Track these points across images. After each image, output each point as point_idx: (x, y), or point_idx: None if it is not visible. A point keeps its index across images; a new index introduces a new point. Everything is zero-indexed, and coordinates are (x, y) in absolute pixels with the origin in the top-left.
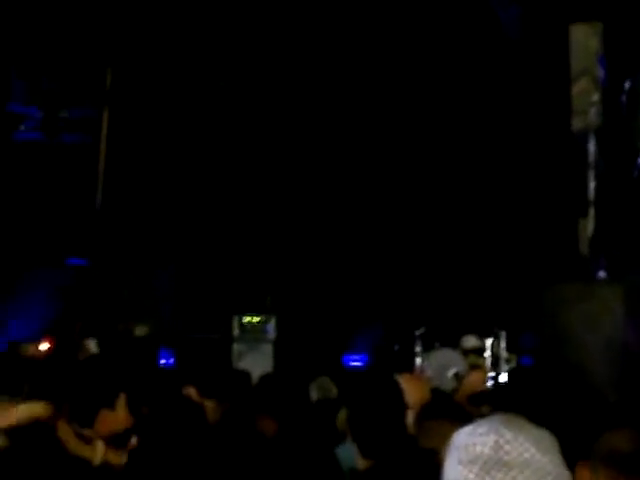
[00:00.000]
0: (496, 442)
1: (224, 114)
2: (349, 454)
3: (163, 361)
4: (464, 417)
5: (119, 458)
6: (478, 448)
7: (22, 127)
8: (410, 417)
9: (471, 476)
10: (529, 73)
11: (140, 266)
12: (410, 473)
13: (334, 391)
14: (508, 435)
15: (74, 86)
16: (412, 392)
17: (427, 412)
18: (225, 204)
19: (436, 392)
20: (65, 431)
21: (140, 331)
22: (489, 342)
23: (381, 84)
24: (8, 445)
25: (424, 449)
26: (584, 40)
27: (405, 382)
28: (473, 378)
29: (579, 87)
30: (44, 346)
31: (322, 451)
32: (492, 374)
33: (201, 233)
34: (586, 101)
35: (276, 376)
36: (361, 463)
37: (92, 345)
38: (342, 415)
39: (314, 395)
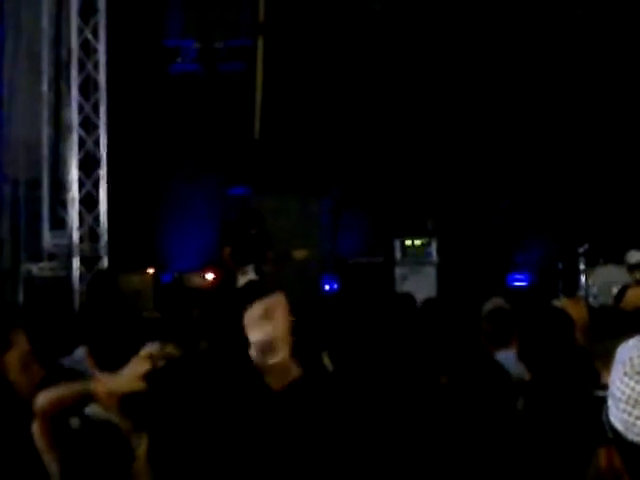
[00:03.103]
0: None
1: (381, 36)
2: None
3: (327, 287)
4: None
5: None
6: None
7: (179, 59)
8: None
9: (638, 387)
10: None
11: (300, 193)
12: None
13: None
14: None
15: (228, 17)
16: (571, 314)
17: (598, 331)
18: (384, 126)
19: (602, 309)
20: None
21: (298, 254)
22: None
23: None
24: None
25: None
26: None
27: (563, 305)
28: (634, 293)
29: None
30: (209, 276)
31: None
32: None
33: (361, 157)
34: None
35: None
36: (528, 376)
37: (250, 271)
38: None
39: None
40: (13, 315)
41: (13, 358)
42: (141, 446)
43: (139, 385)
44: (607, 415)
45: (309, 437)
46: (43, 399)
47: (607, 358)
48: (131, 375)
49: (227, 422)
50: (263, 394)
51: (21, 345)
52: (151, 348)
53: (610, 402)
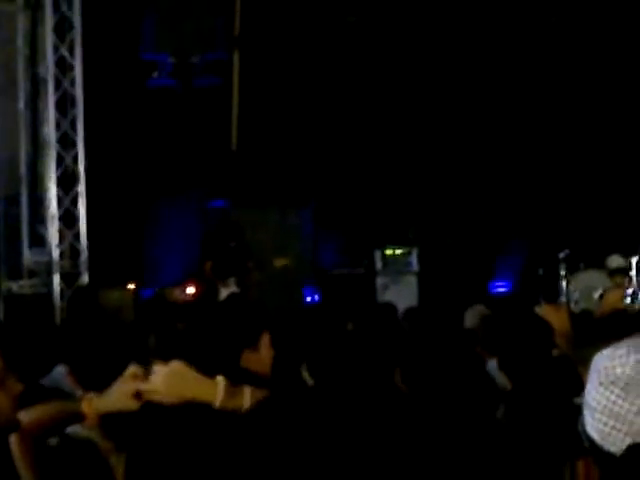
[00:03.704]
0: (637, 362)
1: (356, 48)
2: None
3: (308, 299)
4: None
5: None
6: (618, 370)
7: (155, 74)
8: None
9: (612, 397)
10: None
11: (279, 204)
12: (551, 393)
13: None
14: None
15: (204, 30)
16: (552, 321)
17: (579, 338)
18: (362, 137)
19: (584, 315)
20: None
21: (279, 263)
22: (635, 260)
23: None
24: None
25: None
26: None
27: (545, 312)
28: (612, 296)
29: None
30: (190, 290)
31: (476, 370)
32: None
33: (339, 167)
34: None
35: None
36: (508, 385)
37: (231, 283)
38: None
39: (468, 322)
40: None
41: None
42: (120, 466)
43: (131, 404)
44: (583, 425)
45: (284, 455)
46: (27, 417)
47: (589, 365)
48: (121, 394)
49: (200, 445)
50: (229, 417)
51: None
52: (136, 366)
53: (585, 412)
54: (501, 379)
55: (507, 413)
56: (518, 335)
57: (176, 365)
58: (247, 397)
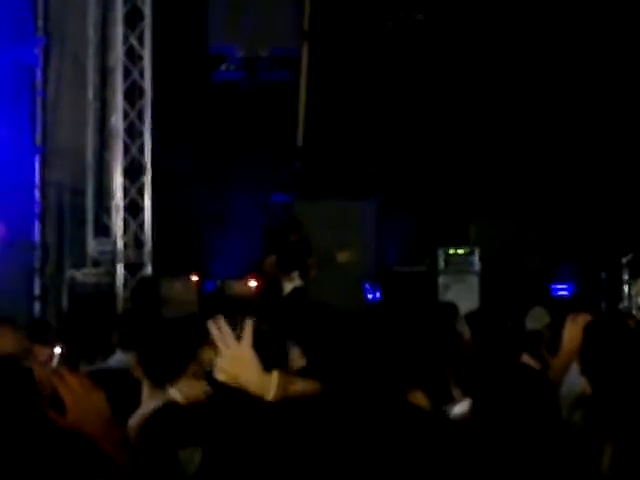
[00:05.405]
0: None
1: (425, 45)
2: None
3: (370, 296)
4: None
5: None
6: None
7: (223, 67)
8: None
9: None
10: None
11: (343, 200)
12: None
13: (547, 321)
14: None
15: (273, 24)
16: None
17: None
18: (428, 134)
19: None
20: None
21: (342, 256)
22: None
23: None
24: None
25: None
26: None
27: None
28: None
29: None
30: (252, 283)
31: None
32: None
33: (405, 164)
34: None
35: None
36: (588, 391)
37: (295, 277)
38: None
39: (529, 325)
40: None
41: None
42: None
43: None
44: None
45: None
46: None
47: None
48: None
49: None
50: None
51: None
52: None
53: None
54: (581, 383)
55: (586, 418)
56: (607, 342)
57: (247, 352)
58: (300, 390)
